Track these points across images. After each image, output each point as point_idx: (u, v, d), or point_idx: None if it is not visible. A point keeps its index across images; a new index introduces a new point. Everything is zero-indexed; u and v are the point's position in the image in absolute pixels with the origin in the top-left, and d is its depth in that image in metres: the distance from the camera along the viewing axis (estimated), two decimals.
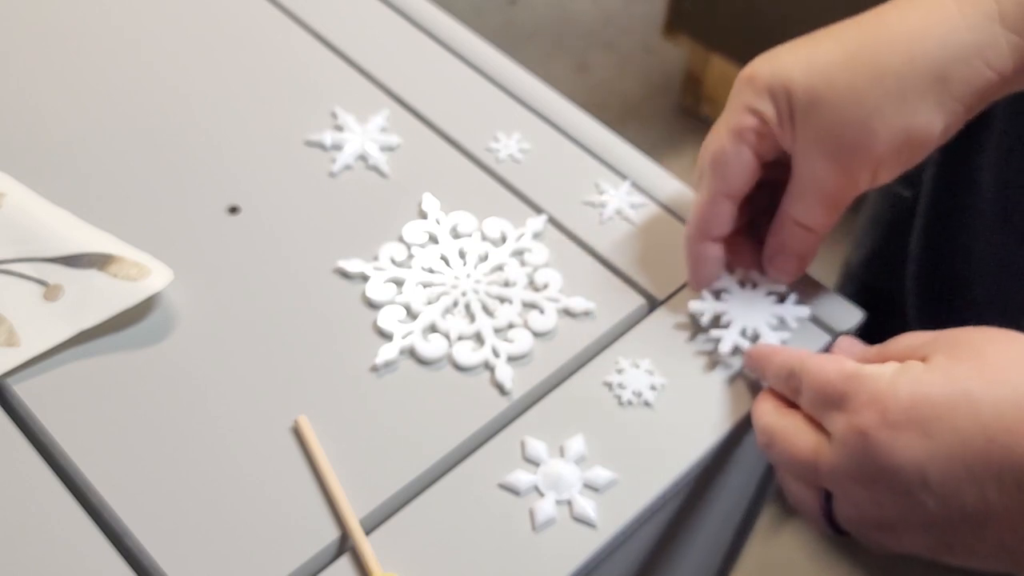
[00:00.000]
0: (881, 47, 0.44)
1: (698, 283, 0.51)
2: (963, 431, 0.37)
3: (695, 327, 0.50)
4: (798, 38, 0.48)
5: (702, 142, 0.50)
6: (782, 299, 0.51)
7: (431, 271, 0.52)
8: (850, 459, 0.39)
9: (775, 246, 0.49)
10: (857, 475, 0.39)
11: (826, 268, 1.16)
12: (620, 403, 0.48)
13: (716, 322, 0.50)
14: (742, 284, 0.51)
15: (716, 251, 0.50)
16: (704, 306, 0.50)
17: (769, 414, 0.44)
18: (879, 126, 0.44)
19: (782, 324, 0.50)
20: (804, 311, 0.50)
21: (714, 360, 0.49)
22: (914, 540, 0.40)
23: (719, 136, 0.47)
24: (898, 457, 0.38)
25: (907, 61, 0.43)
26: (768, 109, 0.46)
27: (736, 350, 0.49)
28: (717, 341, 0.49)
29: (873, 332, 0.53)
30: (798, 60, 0.45)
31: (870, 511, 0.40)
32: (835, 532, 0.43)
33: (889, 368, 0.40)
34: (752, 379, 0.49)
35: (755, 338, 0.49)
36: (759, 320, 0.50)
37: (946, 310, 0.81)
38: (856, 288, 0.93)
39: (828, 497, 0.42)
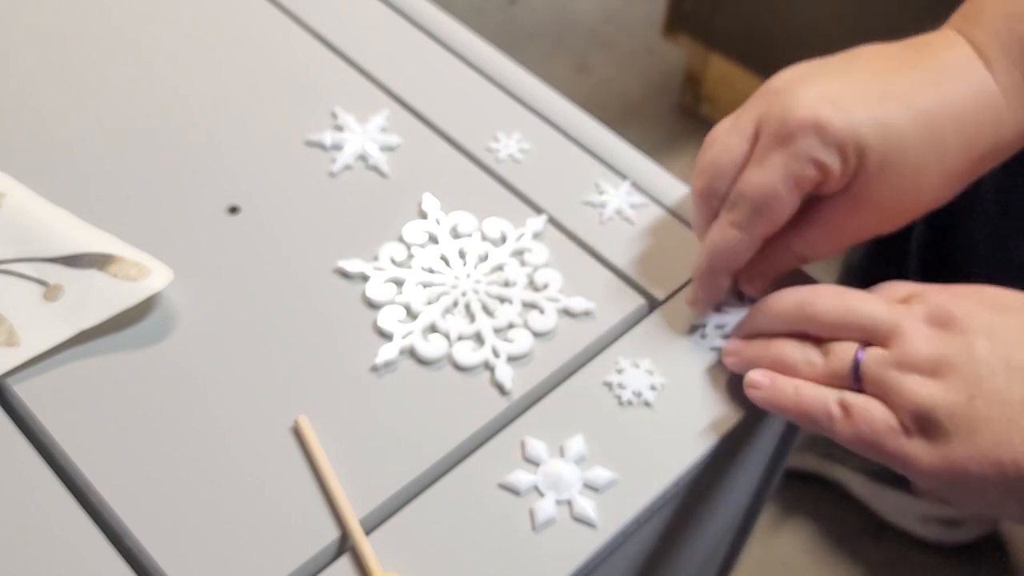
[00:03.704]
0: (947, 125, 0.45)
1: (706, 309, 0.50)
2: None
3: (695, 327, 0.50)
4: (839, 58, 0.47)
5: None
6: None
7: (431, 271, 0.52)
8: (928, 310, 0.43)
9: (765, 269, 0.49)
10: (934, 318, 0.43)
11: (827, 264, 1.16)
12: (620, 403, 0.48)
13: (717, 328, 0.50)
14: (740, 297, 0.51)
15: (729, 280, 0.49)
16: (705, 319, 0.50)
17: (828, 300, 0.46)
18: (929, 198, 0.46)
19: None
20: None
21: (714, 360, 0.49)
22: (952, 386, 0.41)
23: (770, 178, 0.45)
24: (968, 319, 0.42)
25: (966, 147, 0.46)
26: (835, 164, 0.44)
27: None
28: (718, 351, 0.49)
29: None
30: (869, 119, 0.44)
31: (930, 348, 0.42)
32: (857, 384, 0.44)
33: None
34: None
35: None
36: None
37: None
38: (858, 283, 0.92)
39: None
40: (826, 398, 0.44)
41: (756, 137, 0.46)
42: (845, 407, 0.43)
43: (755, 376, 0.46)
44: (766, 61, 1.34)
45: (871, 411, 0.42)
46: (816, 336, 0.46)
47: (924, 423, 0.41)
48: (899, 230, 0.48)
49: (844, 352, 0.44)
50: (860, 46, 0.49)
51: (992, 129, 0.46)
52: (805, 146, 0.44)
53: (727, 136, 0.47)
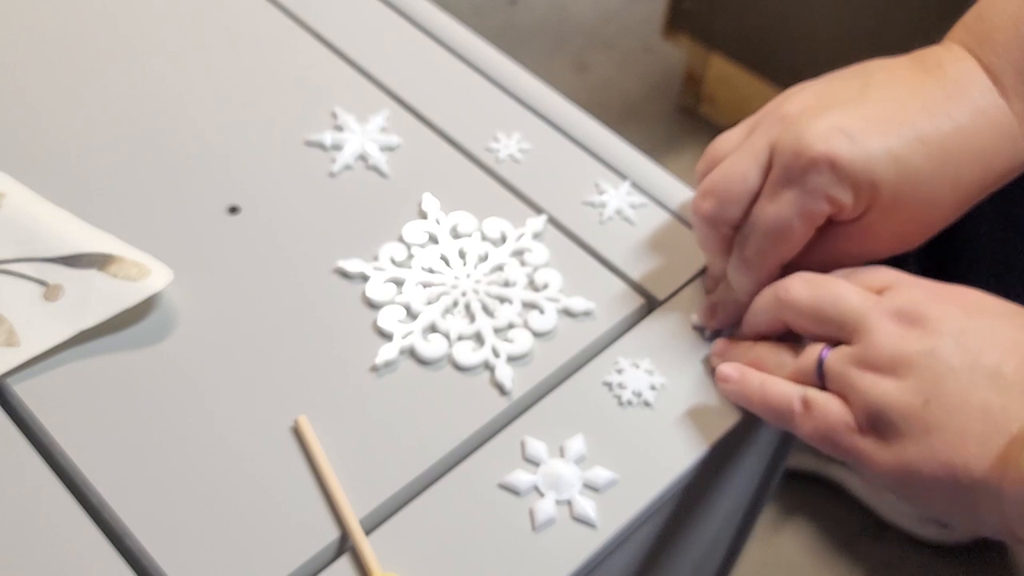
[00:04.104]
0: (962, 157, 0.45)
1: (720, 327, 0.50)
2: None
3: (695, 327, 0.50)
4: (852, 81, 0.47)
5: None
6: None
7: (431, 271, 0.52)
8: (895, 303, 0.43)
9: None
10: (902, 315, 0.43)
11: None
12: (620, 403, 0.48)
13: (717, 332, 0.50)
14: None
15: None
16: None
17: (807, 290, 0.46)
18: (938, 223, 0.47)
19: None
20: None
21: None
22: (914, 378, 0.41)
23: (785, 214, 0.45)
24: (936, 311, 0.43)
25: (980, 176, 0.46)
26: (848, 199, 0.44)
27: None
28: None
29: None
30: (884, 154, 0.44)
31: (900, 343, 0.42)
32: (820, 382, 0.44)
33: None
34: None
35: None
36: None
37: None
38: None
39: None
40: (790, 394, 0.44)
41: (769, 165, 0.46)
42: (806, 403, 0.44)
43: (725, 370, 0.47)
44: (766, 61, 1.34)
45: (829, 407, 0.43)
46: (797, 328, 0.46)
47: (877, 422, 0.41)
48: None
49: (812, 351, 0.45)
50: (867, 61, 0.48)
51: (1007, 156, 0.46)
52: (820, 183, 0.44)
53: (738, 160, 0.47)
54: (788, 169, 0.45)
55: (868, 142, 0.44)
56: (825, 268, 0.47)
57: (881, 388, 0.41)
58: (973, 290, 0.44)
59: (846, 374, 0.43)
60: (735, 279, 0.48)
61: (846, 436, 0.42)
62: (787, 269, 0.48)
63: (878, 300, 0.44)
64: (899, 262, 0.48)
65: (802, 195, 0.44)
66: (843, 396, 0.43)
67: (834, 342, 0.44)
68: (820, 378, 0.44)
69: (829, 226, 0.46)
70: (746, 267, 0.47)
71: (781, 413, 0.44)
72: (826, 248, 0.47)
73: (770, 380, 0.45)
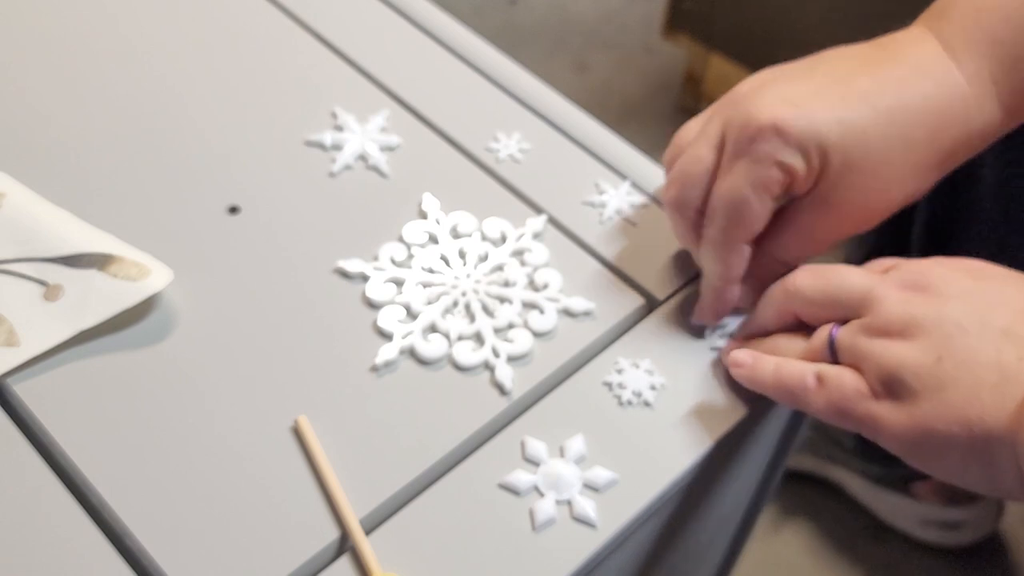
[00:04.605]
0: (910, 118, 0.45)
1: (718, 319, 0.50)
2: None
3: (695, 327, 0.50)
4: (804, 62, 0.48)
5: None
6: None
7: (431, 271, 0.52)
8: (902, 277, 0.44)
9: (749, 279, 0.49)
10: (908, 283, 0.43)
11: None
12: (620, 403, 0.48)
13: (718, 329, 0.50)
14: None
15: (738, 289, 0.49)
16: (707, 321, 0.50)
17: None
18: (898, 194, 0.47)
19: None
20: None
21: (714, 360, 0.49)
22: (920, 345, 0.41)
23: (738, 184, 0.46)
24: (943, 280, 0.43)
25: (933, 140, 0.46)
26: (799, 164, 0.45)
27: None
28: (718, 350, 0.49)
29: None
30: (831, 118, 0.44)
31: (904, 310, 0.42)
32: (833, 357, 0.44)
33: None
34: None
35: None
36: None
37: None
38: None
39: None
40: (803, 371, 0.44)
41: (723, 144, 0.47)
42: (820, 378, 0.44)
43: (738, 355, 0.47)
44: (766, 61, 1.33)
45: (842, 378, 0.43)
46: (806, 317, 0.46)
47: (892, 384, 0.41)
48: (898, 233, 0.49)
49: (822, 331, 0.45)
50: (828, 49, 0.49)
51: (959, 122, 0.46)
52: (767, 149, 0.45)
53: (695, 145, 0.48)
54: (737, 142, 0.45)
55: (814, 108, 0.45)
56: (799, 251, 0.48)
57: (893, 350, 0.42)
58: (974, 260, 0.44)
59: (857, 344, 0.43)
60: (705, 264, 0.49)
61: (860, 404, 0.42)
62: (759, 254, 0.48)
63: (884, 276, 0.45)
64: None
65: (752, 164, 0.45)
66: (856, 367, 0.43)
67: (843, 322, 0.45)
68: (832, 355, 0.44)
69: (790, 204, 0.47)
70: (712, 248, 0.48)
71: (794, 391, 0.44)
72: (793, 227, 0.48)
73: (784, 362, 0.45)
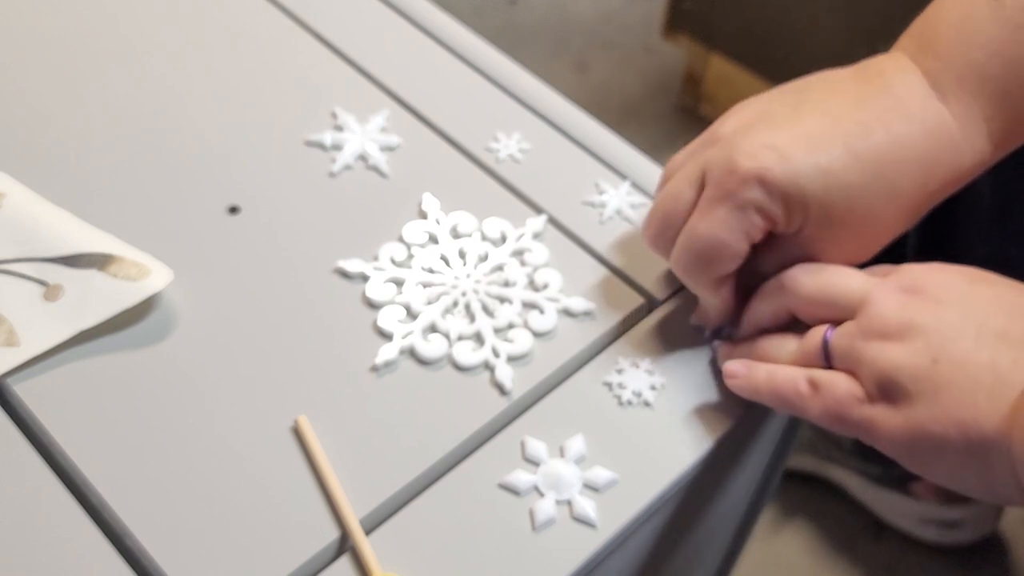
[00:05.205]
0: (897, 168, 0.45)
1: (712, 325, 0.50)
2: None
3: (695, 327, 0.50)
4: (789, 96, 0.47)
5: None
6: None
7: (431, 271, 0.52)
8: (897, 283, 0.44)
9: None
10: (905, 287, 0.43)
11: None
12: (620, 403, 0.48)
13: (717, 333, 0.50)
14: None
15: (732, 299, 0.49)
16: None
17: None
18: (884, 235, 0.46)
19: None
20: None
21: (714, 360, 0.49)
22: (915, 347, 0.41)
23: (715, 229, 0.45)
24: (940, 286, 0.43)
25: (921, 184, 0.45)
26: (779, 212, 0.44)
27: None
28: (716, 348, 0.49)
29: None
30: (812, 168, 0.44)
31: (901, 313, 0.42)
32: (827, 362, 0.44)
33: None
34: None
35: None
36: None
37: None
38: None
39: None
40: (795, 377, 0.44)
41: (703, 183, 0.46)
42: (813, 383, 0.44)
43: (732, 366, 0.47)
44: (766, 61, 1.34)
45: (836, 383, 0.43)
46: (801, 315, 0.46)
47: (887, 387, 0.41)
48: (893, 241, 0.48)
49: (815, 333, 0.45)
50: (810, 75, 0.48)
51: (948, 163, 0.45)
52: (750, 198, 0.44)
53: (675, 181, 0.47)
54: (719, 185, 0.45)
55: (797, 158, 0.44)
56: (778, 271, 0.47)
57: (889, 353, 0.41)
58: (973, 267, 0.44)
59: (852, 347, 0.43)
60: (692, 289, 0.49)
61: (855, 408, 0.42)
62: (743, 279, 0.48)
63: (880, 279, 0.45)
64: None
65: (733, 211, 0.44)
66: (850, 371, 0.43)
67: (837, 324, 0.44)
68: (826, 359, 0.44)
69: (773, 238, 0.46)
70: (686, 280, 0.47)
71: (790, 398, 0.44)
72: (777, 258, 0.47)
73: (777, 369, 0.45)
